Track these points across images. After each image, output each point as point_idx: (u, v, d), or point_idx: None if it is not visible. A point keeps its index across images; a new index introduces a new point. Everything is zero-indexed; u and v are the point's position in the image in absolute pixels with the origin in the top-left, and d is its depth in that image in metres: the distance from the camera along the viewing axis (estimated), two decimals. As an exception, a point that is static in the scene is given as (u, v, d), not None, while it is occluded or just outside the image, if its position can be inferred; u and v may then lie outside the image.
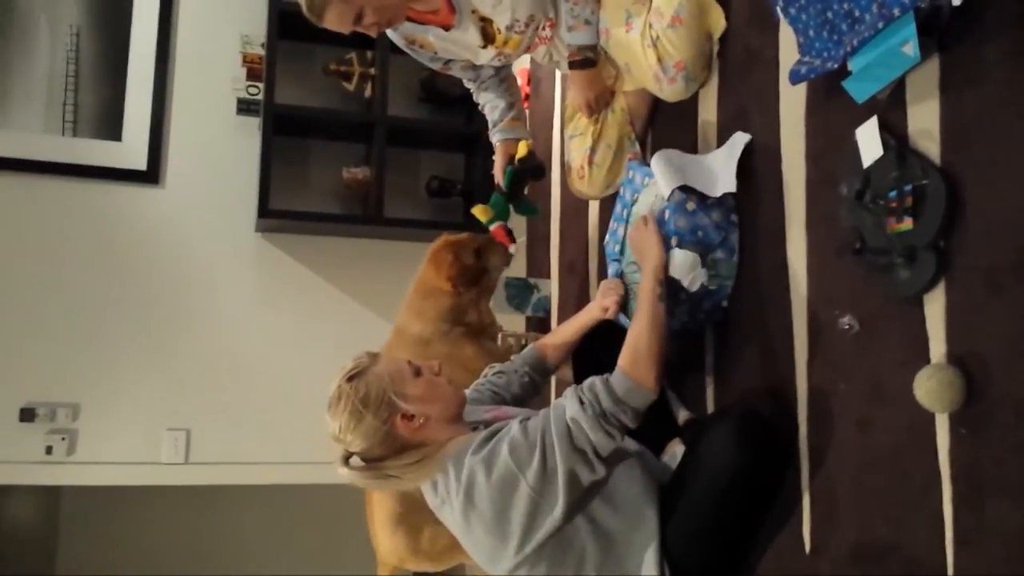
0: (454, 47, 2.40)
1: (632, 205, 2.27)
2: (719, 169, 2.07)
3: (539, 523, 1.72)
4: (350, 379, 1.79)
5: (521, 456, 1.70)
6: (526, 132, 2.67)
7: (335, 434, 1.80)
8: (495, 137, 2.65)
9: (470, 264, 2.64)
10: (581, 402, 1.73)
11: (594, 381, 1.77)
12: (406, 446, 1.80)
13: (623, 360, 1.80)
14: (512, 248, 2.71)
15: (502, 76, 2.62)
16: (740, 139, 2.06)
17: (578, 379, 2.33)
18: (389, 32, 2.38)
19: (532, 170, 2.58)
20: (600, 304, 2.24)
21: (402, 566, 3.02)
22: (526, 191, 2.70)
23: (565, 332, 2.30)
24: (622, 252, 2.31)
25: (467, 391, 2.14)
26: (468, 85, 2.66)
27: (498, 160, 2.63)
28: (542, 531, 1.72)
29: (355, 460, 1.83)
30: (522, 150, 2.51)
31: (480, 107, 2.70)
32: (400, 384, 1.79)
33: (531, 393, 2.27)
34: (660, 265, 1.96)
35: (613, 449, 1.75)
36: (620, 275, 2.32)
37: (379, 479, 1.82)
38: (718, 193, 2.03)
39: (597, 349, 2.30)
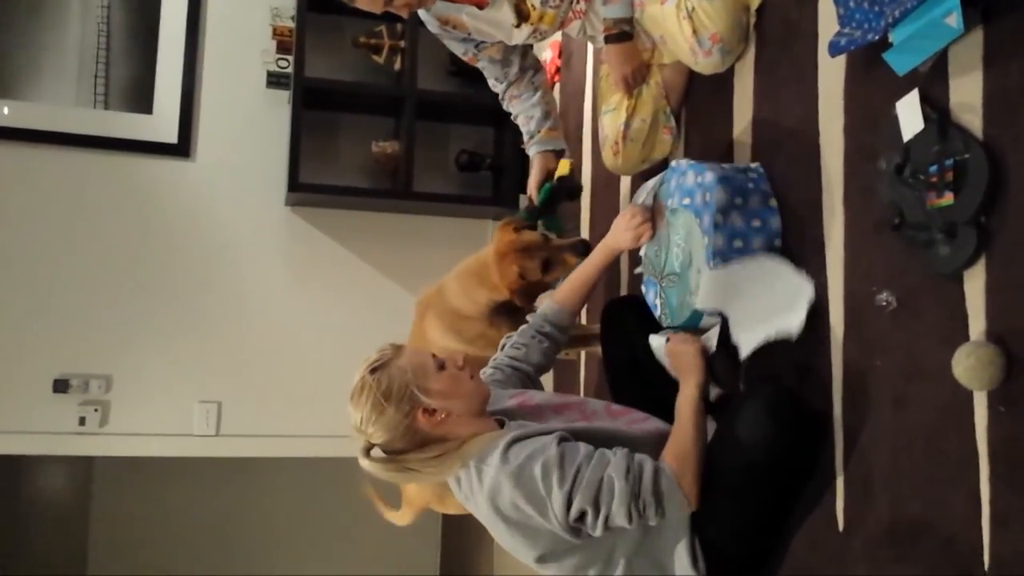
0: (487, 27, 2.37)
1: (672, 196, 2.15)
2: (770, 309, 1.94)
3: (567, 538, 1.72)
4: (373, 371, 1.78)
5: (552, 483, 1.67)
6: (564, 144, 2.64)
7: (356, 425, 1.79)
8: (532, 149, 2.62)
9: (535, 280, 2.60)
10: (627, 470, 1.69)
11: (646, 460, 1.73)
12: (427, 440, 1.80)
13: (673, 460, 1.75)
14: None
15: (537, 84, 2.59)
16: (805, 293, 1.87)
17: (607, 360, 2.34)
18: (421, 12, 2.36)
19: (569, 191, 2.56)
20: (635, 233, 2.19)
21: (428, 507, 3.05)
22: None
23: (584, 270, 2.26)
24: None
25: (487, 370, 2.14)
26: (496, 88, 2.61)
27: (534, 174, 2.60)
28: (572, 542, 1.74)
29: (376, 452, 1.83)
30: (564, 168, 2.49)
31: (513, 117, 2.65)
32: (423, 378, 1.78)
33: (552, 355, 2.25)
34: (704, 382, 1.94)
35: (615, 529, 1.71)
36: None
37: (399, 472, 1.82)
38: (744, 353, 1.96)
39: (628, 331, 2.28)
